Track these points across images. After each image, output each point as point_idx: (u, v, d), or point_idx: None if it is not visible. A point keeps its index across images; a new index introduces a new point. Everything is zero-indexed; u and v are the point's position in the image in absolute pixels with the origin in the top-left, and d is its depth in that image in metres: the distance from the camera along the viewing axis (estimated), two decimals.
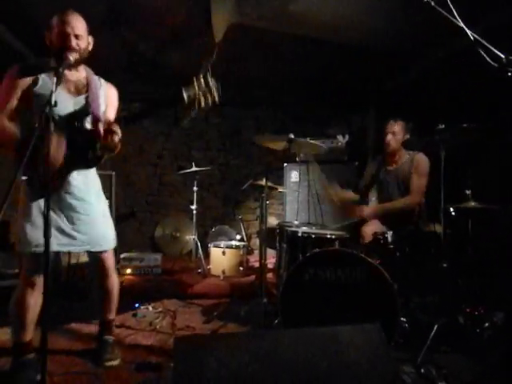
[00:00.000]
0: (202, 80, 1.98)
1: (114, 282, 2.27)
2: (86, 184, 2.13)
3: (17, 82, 1.96)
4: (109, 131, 1.96)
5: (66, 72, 2.04)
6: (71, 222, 2.05)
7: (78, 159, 2.04)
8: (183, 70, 4.68)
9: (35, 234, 1.91)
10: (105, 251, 2.17)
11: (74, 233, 2.04)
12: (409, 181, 3.08)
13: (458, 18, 1.94)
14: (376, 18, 3.41)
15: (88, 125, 2.07)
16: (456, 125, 2.41)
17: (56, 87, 1.65)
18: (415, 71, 4.52)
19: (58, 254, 3.52)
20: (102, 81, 2.23)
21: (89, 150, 2.04)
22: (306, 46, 4.07)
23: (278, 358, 1.42)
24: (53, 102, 1.60)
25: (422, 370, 2.00)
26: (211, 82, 1.98)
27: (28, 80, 1.97)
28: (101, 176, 3.92)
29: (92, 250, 2.12)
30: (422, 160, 3.07)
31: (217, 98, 1.97)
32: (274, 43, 4.06)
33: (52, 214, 1.93)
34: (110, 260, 2.22)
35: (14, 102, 1.96)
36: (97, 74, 2.27)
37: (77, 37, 1.99)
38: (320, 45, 4.00)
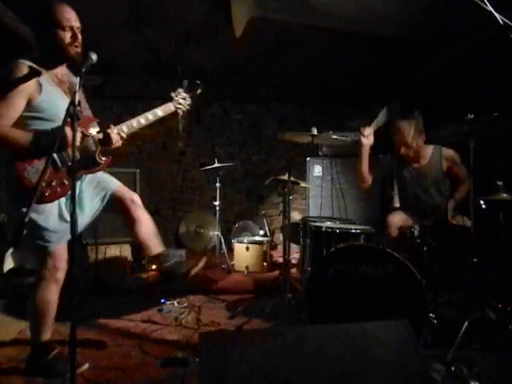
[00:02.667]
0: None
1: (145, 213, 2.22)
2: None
3: (25, 87, 1.83)
4: (121, 137, 2.05)
5: (58, 71, 2.00)
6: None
7: (87, 162, 2.04)
8: (204, 67, 4.72)
9: (60, 228, 1.94)
10: (118, 186, 2.19)
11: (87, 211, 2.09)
12: (442, 175, 3.01)
13: (486, 2, 1.87)
14: (399, 7, 3.32)
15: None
16: (485, 114, 2.32)
17: (79, 88, 1.67)
18: (440, 61, 4.38)
19: (85, 247, 3.62)
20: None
21: (95, 154, 2.05)
22: (327, 38, 4.00)
23: (303, 354, 1.40)
24: (76, 102, 1.63)
25: (453, 368, 1.94)
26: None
27: (33, 85, 1.86)
28: (125, 173, 4.03)
29: (110, 193, 2.14)
30: (451, 152, 3.01)
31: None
32: (295, 36, 4.01)
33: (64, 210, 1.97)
34: (128, 192, 2.21)
35: (22, 107, 1.86)
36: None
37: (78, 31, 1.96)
38: (342, 37, 3.93)
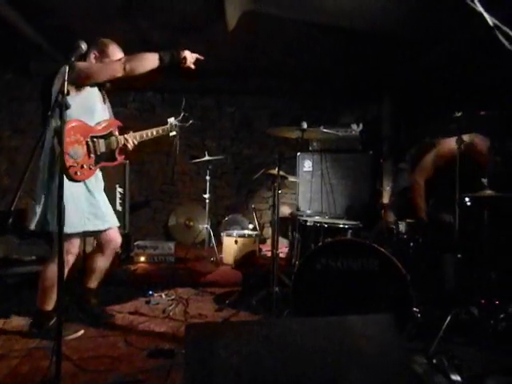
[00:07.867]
0: None
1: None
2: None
3: None
4: (133, 143, 2.56)
5: None
6: (102, 204, 2.41)
7: (108, 156, 2.47)
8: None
9: (75, 217, 2.21)
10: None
11: (103, 213, 2.41)
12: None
13: (476, 2, 1.88)
14: (391, 3, 3.34)
15: None
16: (473, 112, 2.34)
17: (68, 76, 1.66)
18: (430, 58, 4.41)
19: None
20: None
21: (115, 151, 2.51)
22: (320, 33, 4.00)
23: (288, 346, 1.41)
24: (65, 91, 1.62)
25: (434, 361, 1.98)
26: None
27: None
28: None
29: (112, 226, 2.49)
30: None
31: None
32: (287, 31, 4.00)
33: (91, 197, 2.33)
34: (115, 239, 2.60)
35: None
36: None
37: None
38: (335, 32, 3.93)
